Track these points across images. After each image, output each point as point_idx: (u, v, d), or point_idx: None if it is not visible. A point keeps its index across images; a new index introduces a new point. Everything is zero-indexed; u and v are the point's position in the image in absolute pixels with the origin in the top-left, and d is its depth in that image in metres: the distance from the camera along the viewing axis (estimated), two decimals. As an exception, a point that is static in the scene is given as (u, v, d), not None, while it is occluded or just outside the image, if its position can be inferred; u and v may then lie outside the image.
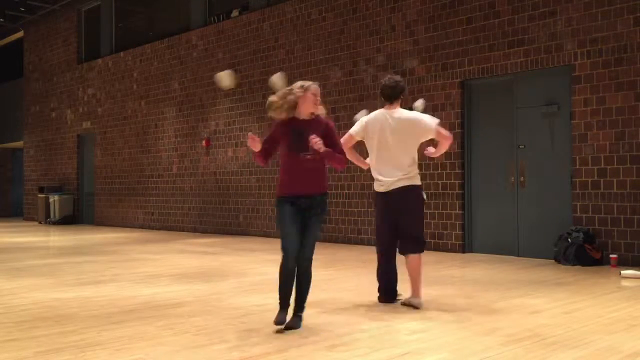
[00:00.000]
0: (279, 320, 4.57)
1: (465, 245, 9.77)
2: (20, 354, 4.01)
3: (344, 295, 6.10)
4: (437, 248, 9.99)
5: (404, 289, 5.67)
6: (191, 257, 9.56)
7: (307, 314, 5.22)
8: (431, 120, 5.58)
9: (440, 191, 10.01)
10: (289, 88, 4.79)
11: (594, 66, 8.49)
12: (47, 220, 18.43)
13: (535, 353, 3.96)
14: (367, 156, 5.79)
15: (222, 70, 15.27)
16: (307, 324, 4.80)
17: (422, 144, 5.62)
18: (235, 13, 14.06)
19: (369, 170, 5.84)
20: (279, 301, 4.65)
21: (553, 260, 8.52)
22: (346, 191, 11.42)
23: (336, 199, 11.53)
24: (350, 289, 6.47)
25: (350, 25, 11.54)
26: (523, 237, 9.20)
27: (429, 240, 10.12)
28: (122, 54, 17.16)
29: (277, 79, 5.18)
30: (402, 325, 4.75)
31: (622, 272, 7.33)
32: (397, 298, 5.64)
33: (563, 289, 6.41)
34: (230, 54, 13.86)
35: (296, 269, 4.63)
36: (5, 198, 23.79)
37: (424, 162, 10.14)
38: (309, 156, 4.61)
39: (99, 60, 17.96)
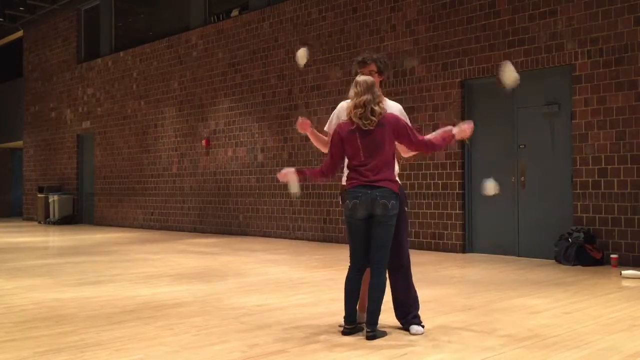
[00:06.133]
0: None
1: (466, 245, 9.76)
2: (20, 354, 4.00)
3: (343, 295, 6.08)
4: (437, 248, 9.99)
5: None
6: (191, 257, 9.55)
7: (307, 314, 5.22)
8: None
9: (440, 191, 10.00)
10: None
11: (595, 66, 8.48)
12: (47, 220, 18.42)
13: (536, 353, 3.95)
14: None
15: (222, 69, 15.29)
16: (307, 324, 4.79)
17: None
18: (235, 13, 14.05)
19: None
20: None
21: (553, 261, 8.51)
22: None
23: (336, 198, 11.50)
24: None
25: (350, 25, 11.52)
26: (523, 237, 9.19)
27: (429, 240, 10.13)
28: (121, 53, 17.15)
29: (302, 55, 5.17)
30: (401, 326, 4.73)
31: (623, 272, 7.32)
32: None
33: (563, 289, 6.39)
34: (230, 53, 13.85)
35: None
36: (4, 198, 23.77)
37: (424, 162, 10.14)
38: None
39: (99, 60, 17.95)
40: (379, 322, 4.38)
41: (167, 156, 15.53)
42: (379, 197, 4.31)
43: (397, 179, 4.53)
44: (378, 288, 4.35)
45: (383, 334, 4.37)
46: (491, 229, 9.58)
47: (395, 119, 4.44)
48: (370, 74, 4.69)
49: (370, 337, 4.28)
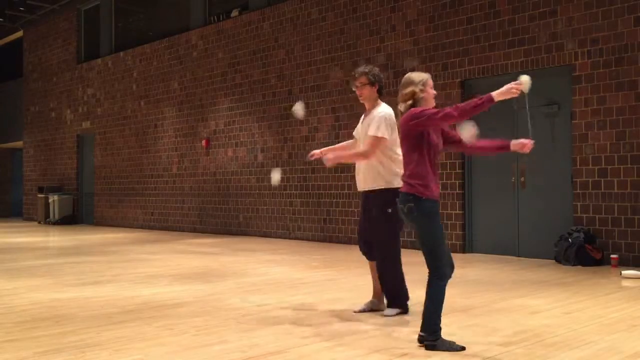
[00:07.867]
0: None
1: (466, 245, 9.75)
2: (20, 355, 4.00)
3: (344, 295, 6.09)
4: (437, 248, 9.97)
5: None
6: (191, 258, 9.55)
7: (307, 315, 5.22)
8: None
9: (440, 191, 9.98)
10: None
11: (595, 66, 8.48)
12: (47, 220, 18.42)
13: (536, 353, 3.95)
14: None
15: (222, 69, 15.20)
16: (307, 324, 4.79)
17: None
18: (235, 13, 14.04)
19: None
20: (440, 328, 4.05)
21: (553, 261, 8.51)
22: (346, 191, 11.41)
23: (336, 199, 11.52)
24: (350, 290, 6.47)
25: (350, 25, 11.52)
26: (523, 237, 9.18)
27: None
28: (121, 53, 17.15)
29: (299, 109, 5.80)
30: (402, 326, 4.74)
31: (623, 272, 7.32)
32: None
33: (563, 289, 6.39)
34: (230, 54, 13.85)
35: None
36: (4, 198, 23.77)
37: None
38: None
39: (99, 60, 17.95)
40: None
41: (167, 156, 15.53)
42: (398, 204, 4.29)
43: (417, 180, 4.21)
44: (427, 296, 4.09)
45: (448, 346, 3.99)
46: (491, 229, 9.58)
47: (409, 113, 4.38)
48: (361, 86, 5.22)
49: (428, 347, 4.01)
